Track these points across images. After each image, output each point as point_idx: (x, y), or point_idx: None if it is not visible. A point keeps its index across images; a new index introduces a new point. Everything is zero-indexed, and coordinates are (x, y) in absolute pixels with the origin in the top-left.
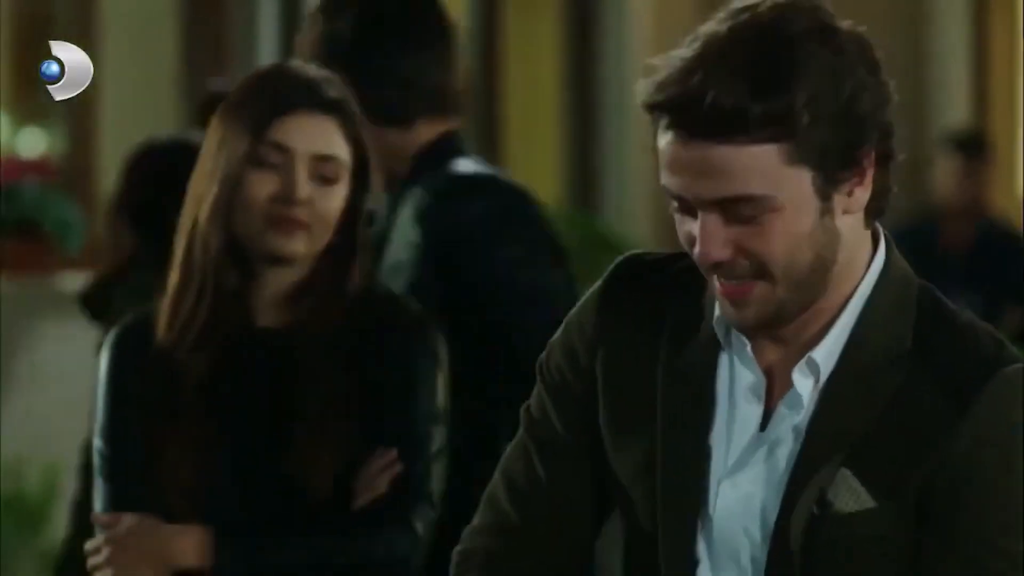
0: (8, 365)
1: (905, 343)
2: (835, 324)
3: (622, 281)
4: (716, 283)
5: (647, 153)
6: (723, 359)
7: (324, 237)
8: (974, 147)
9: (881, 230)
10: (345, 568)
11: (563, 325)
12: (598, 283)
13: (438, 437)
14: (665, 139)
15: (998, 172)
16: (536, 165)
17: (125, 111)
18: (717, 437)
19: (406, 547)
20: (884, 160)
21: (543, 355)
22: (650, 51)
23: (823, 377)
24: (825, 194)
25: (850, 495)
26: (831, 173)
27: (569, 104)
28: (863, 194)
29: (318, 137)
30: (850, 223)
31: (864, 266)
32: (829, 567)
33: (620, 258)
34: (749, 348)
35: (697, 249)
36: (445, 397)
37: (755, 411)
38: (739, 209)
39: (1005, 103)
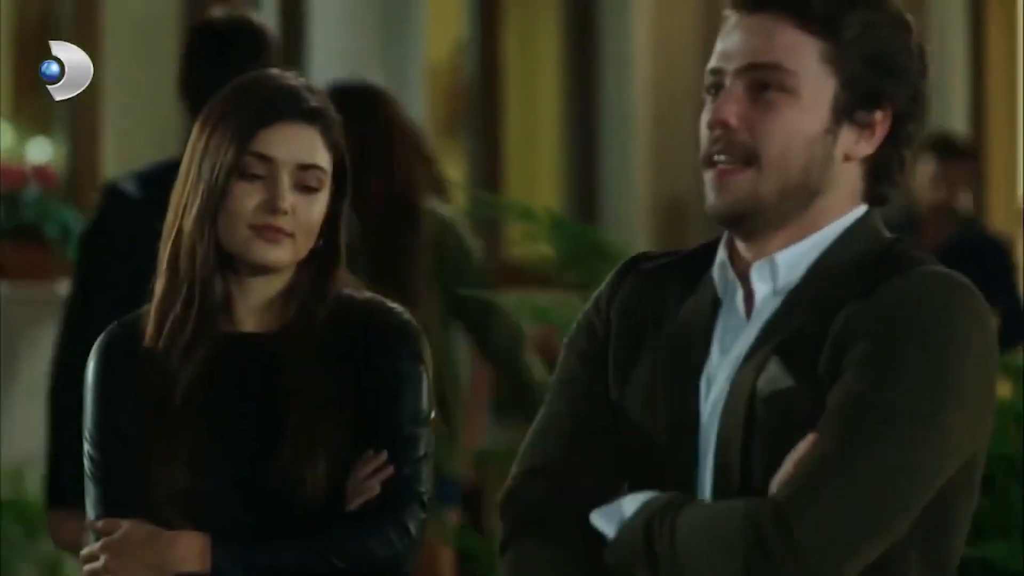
0: (9, 371)
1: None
2: (801, 242)
3: (632, 264)
4: (709, 173)
5: (647, 162)
6: (720, 313)
7: (308, 245)
8: (948, 150)
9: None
10: (343, 569)
11: (586, 306)
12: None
13: (425, 439)
14: (729, 19)
15: (996, 178)
16: (536, 175)
17: (127, 119)
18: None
19: (401, 547)
20: (895, 138)
21: (569, 331)
22: (650, 61)
23: (782, 288)
24: (837, 116)
25: (775, 379)
26: (850, 100)
27: (569, 114)
28: (865, 147)
29: (301, 147)
30: (846, 172)
31: (841, 218)
32: (762, 442)
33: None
34: (740, 296)
35: (711, 116)
36: (430, 399)
37: (741, 345)
38: (766, 79)
39: (1003, 110)
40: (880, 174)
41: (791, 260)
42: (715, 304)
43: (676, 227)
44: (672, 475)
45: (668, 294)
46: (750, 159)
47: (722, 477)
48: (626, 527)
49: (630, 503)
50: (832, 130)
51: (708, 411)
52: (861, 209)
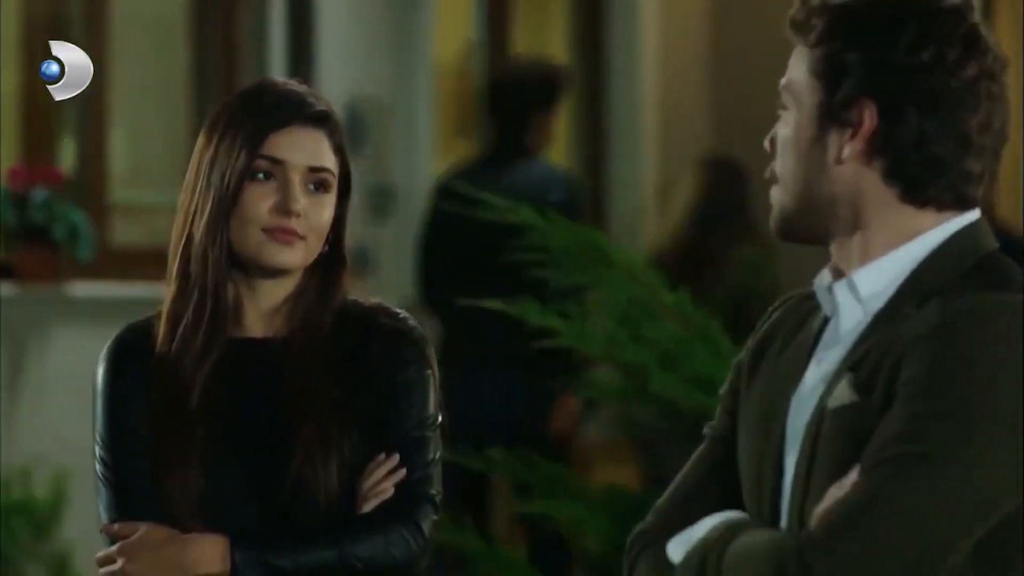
0: (18, 372)
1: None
2: (882, 258)
3: (781, 301)
4: None
5: (656, 164)
6: (824, 331)
7: (318, 248)
8: None
9: (975, 217)
10: (360, 571)
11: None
12: None
13: (434, 442)
14: None
15: (1008, 174)
16: None
17: (136, 119)
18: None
19: (416, 548)
20: (903, 135)
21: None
22: (658, 63)
23: (871, 305)
24: (822, 122)
25: (841, 394)
26: (831, 102)
27: (578, 116)
28: (854, 146)
29: (310, 149)
30: (853, 176)
31: (906, 231)
32: (824, 455)
33: None
34: (837, 314)
35: None
36: (437, 403)
37: (830, 362)
38: (783, 100)
39: (1014, 105)
40: (905, 176)
41: (871, 277)
42: (825, 323)
43: None
44: (765, 492)
45: (797, 318)
46: (775, 175)
47: (795, 493)
48: (687, 556)
49: (701, 528)
50: (819, 137)
51: (796, 428)
52: (961, 220)
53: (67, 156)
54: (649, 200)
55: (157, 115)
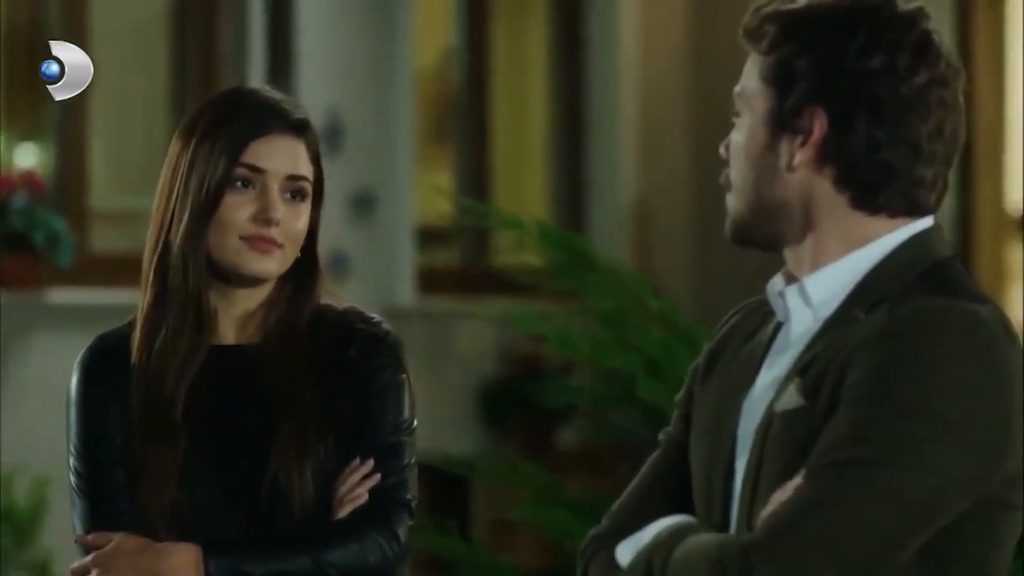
0: None
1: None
2: (833, 264)
3: (740, 307)
4: None
5: (634, 170)
6: (776, 336)
7: (293, 256)
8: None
9: (928, 224)
10: None
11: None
12: None
13: (409, 447)
14: None
15: (985, 181)
16: (524, 182)
17: (116, 124)
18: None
19: (392, 554)
20: (851, 141)
21: (680, 393)
22: (638, 69)
23: (822, 311)
24: (773, 129)
25: (789, 397)
26: (781, 109)
27: (557, 121)
28: (805, 153)
29: (289, 158)
30: (805, 184)
31: (858, 237)
32: (771, 459)
33: None
34: (789, 319)
35: None
36: (412, 408)
37: (781, 368)
38: (737, 107)
39: (991, 112)
40: (856, 182)
41: (822, 283)
42: (778, 328)
43: (661, 235)
44: (715, 496)
45: (752, 324)
46: (729, 182)
47: (743, 497)
48: (634, 559)
49: (649, 532)
50: (771, 144)
51: (746, 432)
52: (914, 227)
53: (47, 161)
54: (629, 206)
55: (137, 121)
